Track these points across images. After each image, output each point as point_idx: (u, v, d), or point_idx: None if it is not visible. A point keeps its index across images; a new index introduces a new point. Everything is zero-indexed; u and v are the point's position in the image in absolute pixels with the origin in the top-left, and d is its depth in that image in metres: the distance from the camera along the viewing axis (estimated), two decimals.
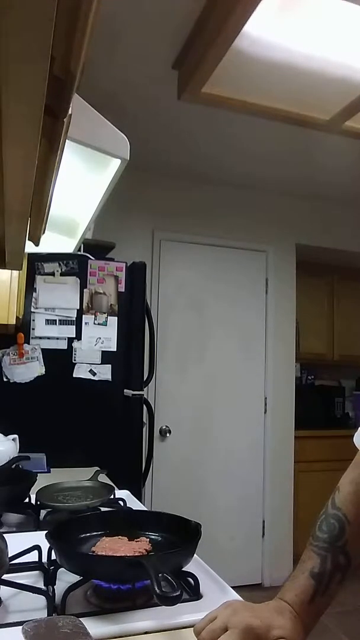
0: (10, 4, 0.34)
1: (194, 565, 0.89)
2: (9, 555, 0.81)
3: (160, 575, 0.68)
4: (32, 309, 2.16)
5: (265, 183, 3.38)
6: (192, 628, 0.68)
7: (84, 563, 0.82)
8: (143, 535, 0.95)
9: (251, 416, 3.37)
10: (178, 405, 3.20)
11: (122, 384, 2.26)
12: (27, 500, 1.31)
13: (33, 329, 2.16)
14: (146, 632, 0.72)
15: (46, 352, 2.17)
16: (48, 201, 0.79)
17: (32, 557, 0.92)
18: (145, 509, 1.47)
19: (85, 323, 2.22)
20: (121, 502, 1.35)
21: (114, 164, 0.93)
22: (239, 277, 3.43)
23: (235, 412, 3.34)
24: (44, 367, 2.15)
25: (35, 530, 1.12)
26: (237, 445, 3.31)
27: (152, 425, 2.46)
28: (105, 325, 2.25)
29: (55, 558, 0.85)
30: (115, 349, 2.25)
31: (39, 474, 1.42)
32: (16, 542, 0.91)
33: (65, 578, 0.82)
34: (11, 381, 2.12)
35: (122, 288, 2.29)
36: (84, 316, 2.22)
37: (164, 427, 3.14)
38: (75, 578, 0.80)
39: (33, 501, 1.30)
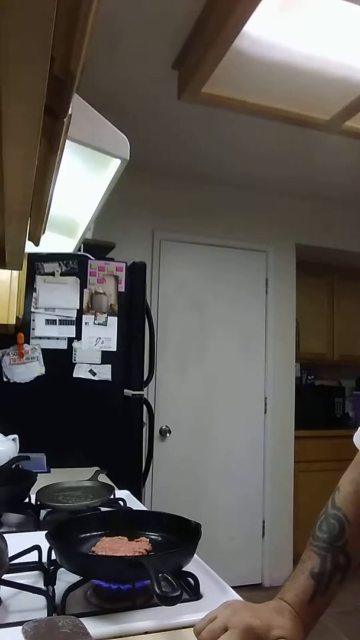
0: (10, 4, 0.34)
1: (194, 565, 0.89)
2: (9, 555, 0.81)
3: (160, 575, 0.68)
4: (32, 309, 2.16)
5: (265, 183, 3.38)
6: (192, 628, 0.68)
7: (84, 563, 0.82)
8: (143, 535, 0.95)
9: (251, 416, 3.37)
10: (178, 405, 3.20)
11: (122, 384, 2.26)
12: (27, 500, 1.31)
13: (33, 329, 2.16)
14: (146, 632, 0.72)
15: (46, 352, 2.17)
16: (48, 201, 0.79)
17: (32, 557, 0.92)
18: (145, 509, 1.47)
19: (85, 323, 2.22)
20: (121, 502, 1.35)
21: (114, 164, 0.93)
22: (239, 277, 3.43)
23: (235, 412, 3.34)
24: (44, 367, 2.15)
25: (35, 530, 1.12)
26: (237, 445, 3.31)
27: (152, 425, 2.46)
28: (105, 325, 2.25)
29: (55, 558, 0.85)
30: (115, 349, 2.25)
31: (39, 474, 1.42)
32: (16, 542, 0.91)
33: (65, 578, 0.82)
34: (11, 381, 2.12)
35: (122, 288, 2.29)
36: (84, 316, 2.22)
37: (164, 427, 3.14)
38: (75, 578, 0.80)
39: (33, 501, 1.30)
